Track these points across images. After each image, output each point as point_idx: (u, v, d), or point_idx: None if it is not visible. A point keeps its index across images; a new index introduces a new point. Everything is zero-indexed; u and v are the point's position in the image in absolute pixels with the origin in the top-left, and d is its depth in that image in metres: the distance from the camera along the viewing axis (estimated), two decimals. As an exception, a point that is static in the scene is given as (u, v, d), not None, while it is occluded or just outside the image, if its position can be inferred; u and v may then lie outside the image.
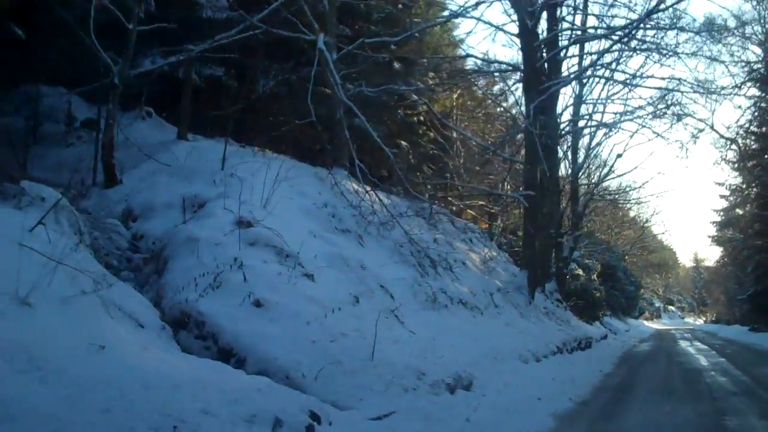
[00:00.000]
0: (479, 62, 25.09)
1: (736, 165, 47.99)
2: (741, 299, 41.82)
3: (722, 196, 53.74)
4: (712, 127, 41.73)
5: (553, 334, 16.49)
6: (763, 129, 37.86)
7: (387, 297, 9.93)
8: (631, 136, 31.47)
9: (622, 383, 12.05)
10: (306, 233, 9.95)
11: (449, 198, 28.45)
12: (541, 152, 18.10)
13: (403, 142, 26.26)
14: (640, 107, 23.99)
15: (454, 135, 30.92)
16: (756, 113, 37.79)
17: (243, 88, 16.37)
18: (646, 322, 62.53)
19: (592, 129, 26.17)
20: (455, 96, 32.36)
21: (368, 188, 13.60)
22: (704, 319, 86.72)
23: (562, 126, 23.33)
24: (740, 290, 51.84)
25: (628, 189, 29.66)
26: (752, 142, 39.03)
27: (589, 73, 22.59)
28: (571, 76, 21.49)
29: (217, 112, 14.93)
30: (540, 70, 19.79)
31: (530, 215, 18.76)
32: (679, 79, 22.08)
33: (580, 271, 30.76)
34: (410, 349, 8.06)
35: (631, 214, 53.53)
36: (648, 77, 21.17)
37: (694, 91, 21.93)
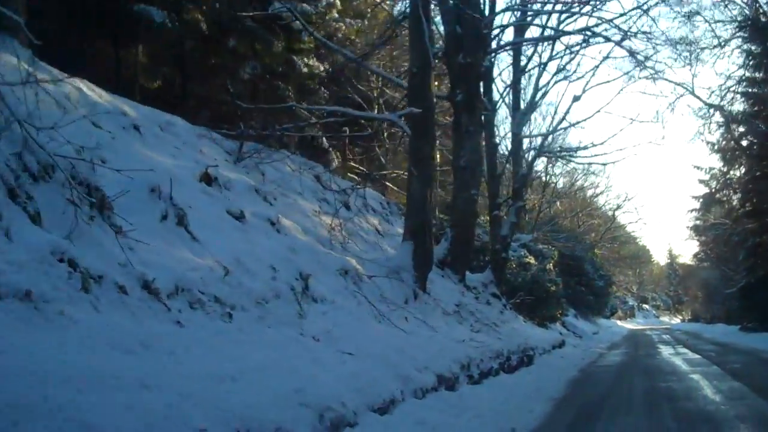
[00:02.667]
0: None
1: (715, 146, 41.48)
2: (729, 293, 34.33)
3: (701, 181, 46.75)
4: (692, 93, 34.84)
5: (441, 352, 8.69)
6: (755, 89, 30.58)
7: None
8: (594, 72, 23.38)
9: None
10: None
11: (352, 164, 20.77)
12: (429, 45, 10.29)
13: (282, 83, 18.53)
14: (610, 21, 16.08)
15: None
16: (748, 69, 30.57)
17: None
18: (619, 322, 55.07)
19: (541, 60, 18.32)
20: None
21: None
22: (681, 317, 79.80)
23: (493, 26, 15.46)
24: (722, 285, 44.67)
25: (590, 145, 21.48)
26: (742, 104, 31.72)
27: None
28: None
29: None
30: None
31: (415, 149, 10.97)
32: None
33: (532, 259, 23.01)
34: None
35: (600, 200, 46.18)
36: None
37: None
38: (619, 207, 43.07)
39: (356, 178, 22.09)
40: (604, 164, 33.52)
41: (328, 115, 12.91)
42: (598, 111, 17.82)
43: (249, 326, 5.83)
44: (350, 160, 21.05)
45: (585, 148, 20.58)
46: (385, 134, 20.96)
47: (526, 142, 21.03)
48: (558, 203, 41.59)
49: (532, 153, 20.29)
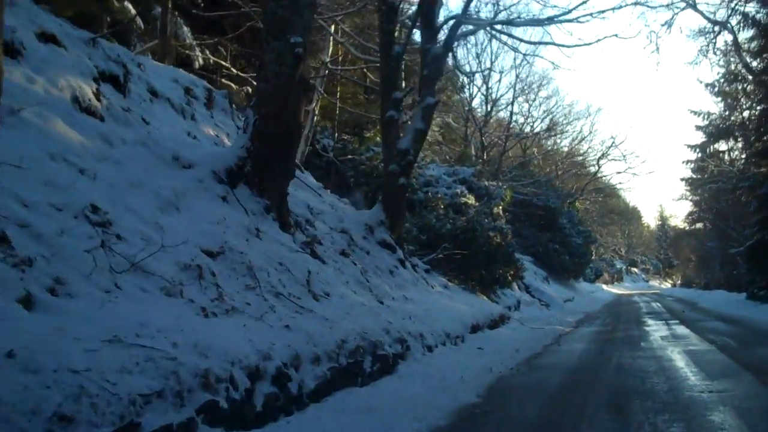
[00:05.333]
0: None
1: (716, 88, 34.59)
2: (734, 253, 27.22)
3: (699, 128, 39.41)
4: (694, 7, 27.16)
5: None
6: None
7: None
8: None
9: None
10: None
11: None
12: None
13: None
14: None
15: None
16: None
17: None
18: (604, 286, 48.07)
19: None
20: None
21: None
22: (671, 282, 73.05)
23: None
24: (720, 246, 37.80)
25: (542, 16, 13.39)
26: (759, 14, 24.21)
27: None
28: None
29: None
30: None
31: None
32: None
33: (471, 199, 15.81)
34: None
35: (584, 147, 38.69)
36: None
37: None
38: (604, 155, 35.67)
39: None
40: (568, 46, 25.77)
41: None
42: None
43: None
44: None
45: (538, 21, 12.85)
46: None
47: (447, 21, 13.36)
48: (535, 149, 34.44)
49: (451, 23, 12.67)
